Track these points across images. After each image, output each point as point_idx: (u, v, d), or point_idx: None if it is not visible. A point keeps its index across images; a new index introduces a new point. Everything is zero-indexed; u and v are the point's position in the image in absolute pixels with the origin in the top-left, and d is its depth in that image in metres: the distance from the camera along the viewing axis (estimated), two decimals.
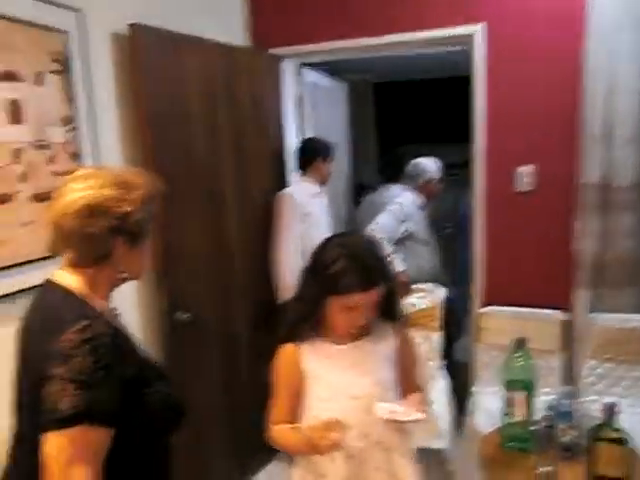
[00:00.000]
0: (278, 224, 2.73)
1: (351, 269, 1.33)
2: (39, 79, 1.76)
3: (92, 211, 1.11)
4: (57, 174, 1.82)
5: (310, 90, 3.23)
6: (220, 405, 2.53)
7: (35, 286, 1.71)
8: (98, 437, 1.05)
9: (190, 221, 2.33)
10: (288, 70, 2.98)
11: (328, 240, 1.45)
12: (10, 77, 1.67)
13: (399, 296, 1.55)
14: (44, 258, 1.76)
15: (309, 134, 3.13)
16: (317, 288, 1.38)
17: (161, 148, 2.15)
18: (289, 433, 1.40)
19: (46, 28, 1.78)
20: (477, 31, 2.54)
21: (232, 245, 2.58)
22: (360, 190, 4.11)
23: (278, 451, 2.66)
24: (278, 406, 1.47)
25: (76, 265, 1.16)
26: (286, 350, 1.46)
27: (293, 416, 1.45)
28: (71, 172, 1.84)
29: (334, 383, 1.42)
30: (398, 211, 3.14)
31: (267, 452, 2.75)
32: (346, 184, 3.98)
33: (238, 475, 2.64)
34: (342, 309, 1.37)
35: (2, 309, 1.66)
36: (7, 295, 1.67)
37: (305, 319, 1.44)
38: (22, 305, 1.70)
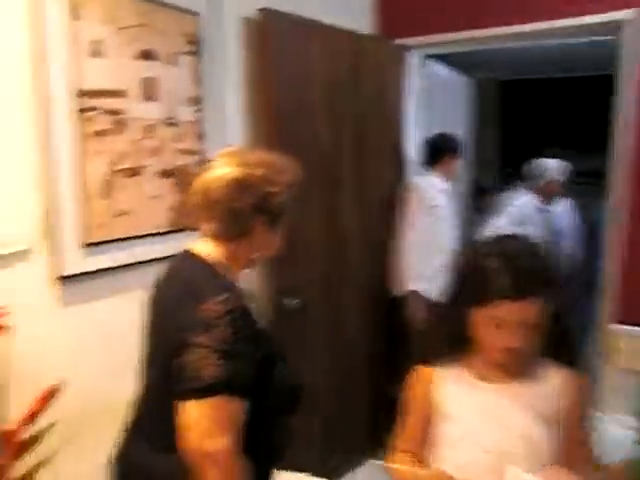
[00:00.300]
0: (403, 213, 2.71)
1: (502, 270, 1.08)
2: (173, 59, 1.83)
3: (240, 186, 1.14)
4: (183, 152, 1.88)
5: (433, 84, 3.11)
6: (324, 395, 2.49)
7: (156, 258, 1.80)
8: (236, 408, 1.06)
9: (306, 207, 2.31)
10: (412, 62, 2.88)
11: (483, 239, 1.32)
12: (148, 56, 1.75)
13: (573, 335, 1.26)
14: (166, 232, 1.84)
15: (430, 129, 3.02)
16: (463, 294, 1.17)
17: (284, 134, 2.16)
18: (401, 471, 1.24)
19: (182, 10, 1.84)
20: (629, 17, 2.29)
21: (347, 234, 2.54)
22: (480, 193, 3.91)
23: (376, 453, 2.65)
24: (404, 432, 1.29)
25: (217, 237, 1.18)
26: (421, 373, 1.26)
27: (419, 445, 1.26)
28: (195, 151, 1.93)
29: (467, 427, 1.17)
30: (515, 213, 3.03)
31: (365, 452, 2.70)
32: (465, 186, 3.80)
33: (332, 471, 2.59)
34: (489, 323, 1.11)
35: (123, 278, 1.74)
36: (130, 265, 1.75)
37: (448, 335, 1.23)
38: (142, 275, 1.79)
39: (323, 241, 2.41)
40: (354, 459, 2.65)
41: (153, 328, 1.21)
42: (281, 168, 1.21)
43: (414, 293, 2.61)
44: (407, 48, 2.80)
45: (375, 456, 2.59)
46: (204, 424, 1.02)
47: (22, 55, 1.45)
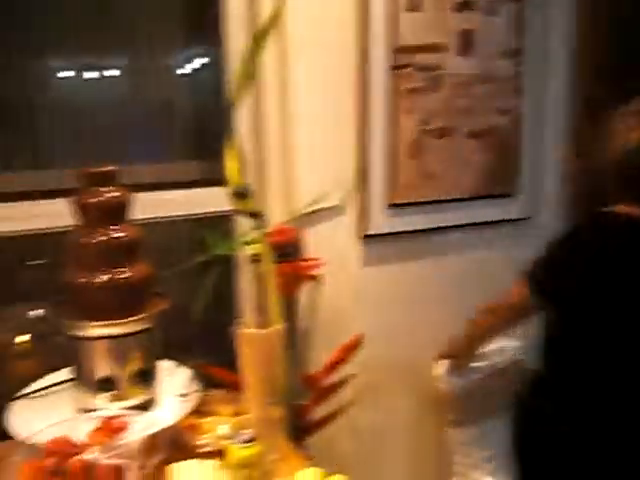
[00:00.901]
0: None
1: None
2: (493, 8, 1.66)
3: None
4: (496, 111, 1.70)
5: None
6: None
7: (464, 225, 1.67)
8: None
9: None
10: None
11: None
12: (466, 6, 1.62)
13: None
14: (474, 198, 1.70)
15: None
16: None
17: (614, 90, 1.80)
18: None
19: None
20: None
21: None
22: None
23: None
24: None
25: None
26: None
27: None
28: (510, 109, 1.73)
29: None
30: None
31: None
32: None
33: None
34: None
35: (428, 243, 1.67)
36: (435, 229, 1.67)
37: None
38: (448, 242, 1.69)
39: None
40: None
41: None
42: None
43: None
44: None
45: None
46: None
47: (347, 9, 1.48)
